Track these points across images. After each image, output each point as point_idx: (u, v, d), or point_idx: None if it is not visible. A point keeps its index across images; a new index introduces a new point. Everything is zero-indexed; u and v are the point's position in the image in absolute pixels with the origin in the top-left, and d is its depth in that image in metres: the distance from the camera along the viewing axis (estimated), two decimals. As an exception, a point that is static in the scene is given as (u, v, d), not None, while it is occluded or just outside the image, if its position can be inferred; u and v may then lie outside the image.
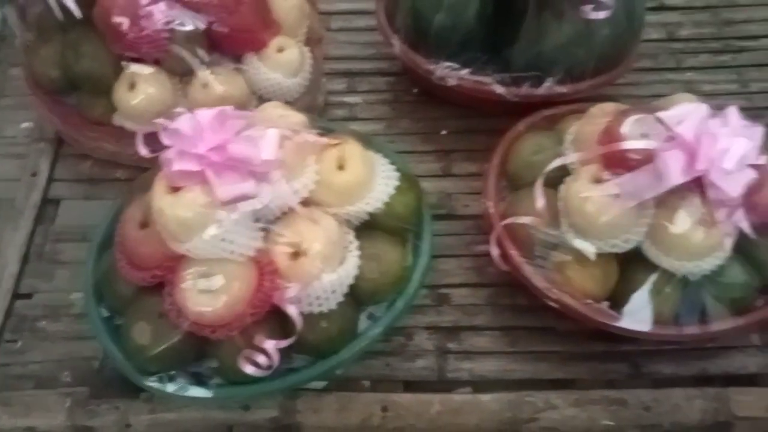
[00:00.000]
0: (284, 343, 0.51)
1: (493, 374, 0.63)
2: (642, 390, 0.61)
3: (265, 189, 0.50)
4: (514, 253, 0.59)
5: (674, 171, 0.49)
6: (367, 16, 0.86)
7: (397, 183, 0.56)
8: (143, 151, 0.55)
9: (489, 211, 0.61)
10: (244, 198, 0.49)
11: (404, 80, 0.83)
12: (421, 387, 0.63)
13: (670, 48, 0.87)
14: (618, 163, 0.53)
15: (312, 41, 0.73)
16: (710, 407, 0.60)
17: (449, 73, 0.70)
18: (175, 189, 0.49)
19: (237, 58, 0.69)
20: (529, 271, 0.58)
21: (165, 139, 0.51)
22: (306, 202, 0.53)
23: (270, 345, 0.50)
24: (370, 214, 0.56)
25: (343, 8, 0.89)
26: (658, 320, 0.57)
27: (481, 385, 0.63)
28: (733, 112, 0.50)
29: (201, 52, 0.66)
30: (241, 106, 0.68)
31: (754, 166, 0.51)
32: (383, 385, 0.62)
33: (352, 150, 0.53)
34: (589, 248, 0.55)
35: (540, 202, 0.56)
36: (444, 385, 0.63)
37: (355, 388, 0.62)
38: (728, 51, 0.87)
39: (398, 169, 0.58)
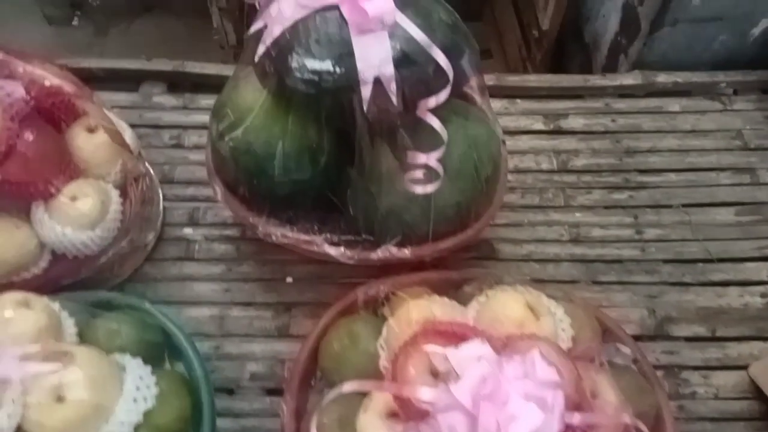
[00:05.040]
0: None
1: None
2: None
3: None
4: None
5: (452, 437, 0.39)
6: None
7: (154, 396, 0.46)
8: None
9: (282, 413, 0.52)
10: None
11: (256, 211, 0.74)
12: None
13: (561, 181, 0.78)
14: (404, 405, 0.43)
15: (129, 179, 0.64)
16: None
17: (273, 230, 0.60)
18: None
19: (27, 207, 0.59)
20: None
21: None
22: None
23: None
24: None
25: (198, 121, 0.79)
26: None
27: None
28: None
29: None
30: (25, 263, 0.59)
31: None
32: None
33: (75, 374, 0.43)
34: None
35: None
36: None
37: None
38: (626, 187, 0.78)
39: (163, 376, 0.48)
